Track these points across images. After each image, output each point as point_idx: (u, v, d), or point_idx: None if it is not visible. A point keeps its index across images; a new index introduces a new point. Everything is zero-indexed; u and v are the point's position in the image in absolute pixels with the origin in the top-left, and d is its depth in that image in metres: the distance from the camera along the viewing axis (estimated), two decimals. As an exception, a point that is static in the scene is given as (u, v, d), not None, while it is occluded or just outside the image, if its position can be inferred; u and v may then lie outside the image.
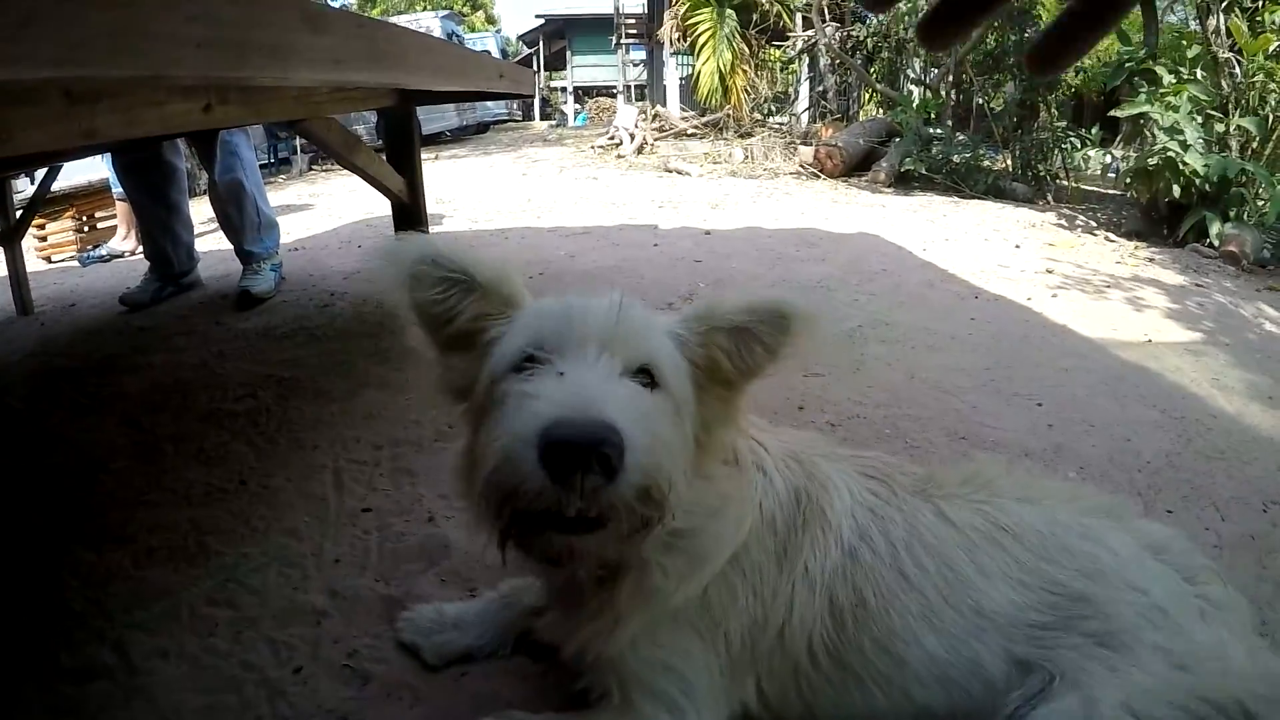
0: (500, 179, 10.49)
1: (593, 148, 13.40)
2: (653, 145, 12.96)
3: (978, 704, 1.27)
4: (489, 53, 17.50)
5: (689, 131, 14.19)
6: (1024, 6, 9.54)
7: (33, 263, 5.55)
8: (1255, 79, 6.28)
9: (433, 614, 1.65)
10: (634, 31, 21.49)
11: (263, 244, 4.36)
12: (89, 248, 6.28)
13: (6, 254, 4.43)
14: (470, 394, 1.17)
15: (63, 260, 6.37)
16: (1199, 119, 6.28)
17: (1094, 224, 7.04)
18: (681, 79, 17.64)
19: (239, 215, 4.27)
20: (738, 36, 14.34)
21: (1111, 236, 6.52)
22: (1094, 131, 8.71)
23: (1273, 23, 6.25)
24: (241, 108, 2.28)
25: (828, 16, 13.23)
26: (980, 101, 10.24)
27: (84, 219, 6.61)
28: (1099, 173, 9.96)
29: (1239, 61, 6.40)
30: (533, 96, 22.19)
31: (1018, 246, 5.98)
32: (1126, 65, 7.40)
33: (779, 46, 15.29)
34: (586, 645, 1.26)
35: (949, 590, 1.29)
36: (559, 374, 1.00)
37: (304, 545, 2.00)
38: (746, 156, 11.31)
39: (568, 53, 29.42)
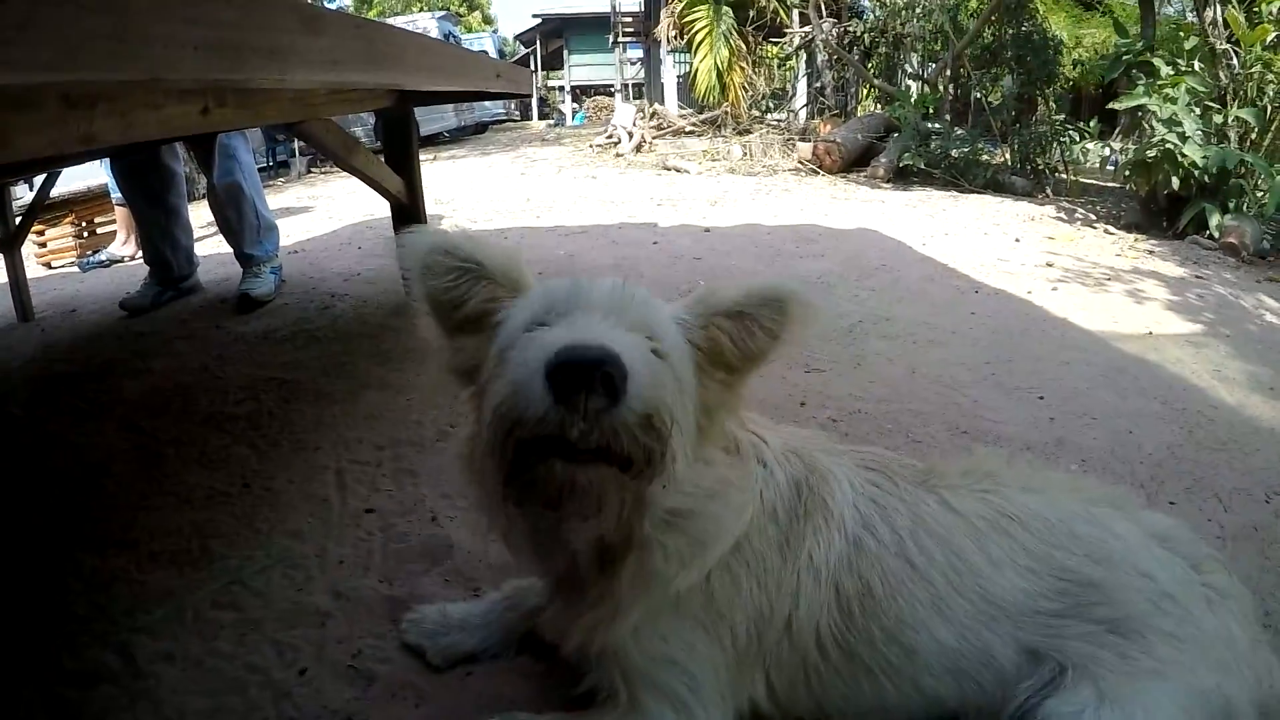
0: (499, 179, 10.48)
1: (591, 146, 13.39)
2: (651, 143, 12.95)
3: (988, 695, 1.27)
4: (486, 53, 17.51)
5: (687, 129, 14.17)
6: (1020, 1, 9.53)
7: (33, 269, 5.55)
8: (1253, 70, 6.28)
9: (437, 615, 1.65)
10: (631, 30, 21.50)
11: (262, 247, 4.36)
12: (89, 253, 6.27)
13: (6, 260, 4.43)
14: (477, 375, 1.18)
15: (63, 266, 6.37)
16: (1197, 111, 6.27)
17: (1093, 217, 7.04)
18: (679, 77, 17.63)
19: (238, 218, 4.27)
20: (735, 33, 14.33)
21: (1111, 229, 6.51)
22: (1092, 124, 8.69)
23: (1270, 13, 6.24)
24: (239, 110, 2.28)
25: (824, 12, 13.22)
26: (978, 96, 10.23)
27: (83, 224, 6.60)
28: (1098, 166, 9.95)
29: (1236, 53, 6.39)
30: (530, 96, 22.20)
31: (1017, 240, 5.98)
32: (1124, 58, 7.39)
33: (776, 43, 15.26)
34: (588, 637, 1.26)
35: (957, 578, 1.29)
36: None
37: (307, 547, 2.00)
38: (745, 153, 11.29)
39: (565, 52, 29.44)
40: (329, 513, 2.16)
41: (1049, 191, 8.26)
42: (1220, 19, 6.42)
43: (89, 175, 6.24)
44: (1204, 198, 6.11)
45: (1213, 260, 5.52)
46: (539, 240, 6.01)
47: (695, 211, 7.20)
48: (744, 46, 14.54)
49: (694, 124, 14.30)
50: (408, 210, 3.91)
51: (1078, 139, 8.58)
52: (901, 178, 9.15)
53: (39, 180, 4.89)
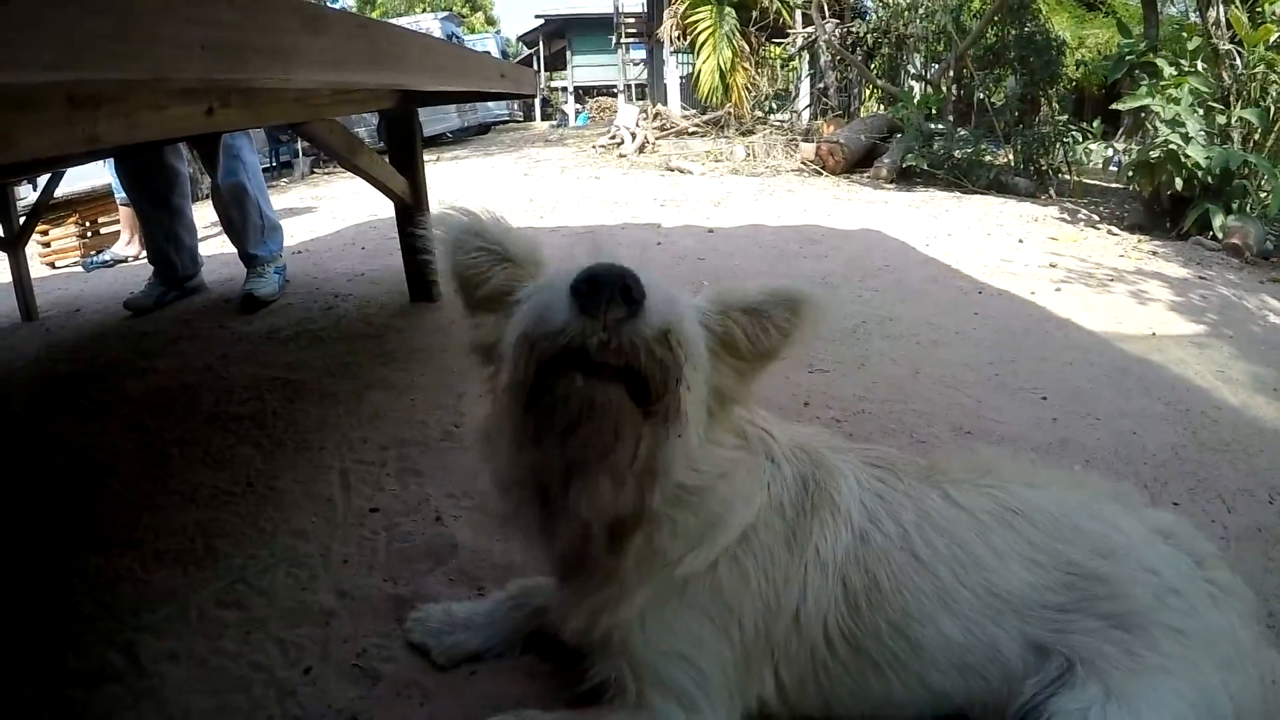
0: (502, 180, 10.49)
1: (594, 147, 13.41)
2: (654, 144, 12.96)
3: (995, 691, 1.28)
4: (489, 54, 17.52)
5: (690, 130, 14.18)
6: (1023, 1, 9.53)
7: (37, 269, 5.56)
8: (1256, 70, 6.27)
9: (441, 614, 1.65)
10: (634, 30, 21.50)
11: (266, 247, 4.37)
12: (93, 253, 6.29)
13: (11, 260, 4.44)
14: (497, 353, 1.20)
15: (67, 266, 6.39)
16: (1200, 111, 6.26)
17: (1097, 218, 7.03)
18: (682, 77, 17.65)
19: (242, 219, 4.28)
20: (738, 34, 14.35)
21: (1114, 230, 6.51)
22: (1095, 125, 8.68)
23: (1273, 13, 6.24)
24: (243, 111, 2.29)
25: (827, 13, 13.23)
26: (981, 96, 10.22)
27: (87, 224, 6.62)
28: (1101, 166, 9.94)
29: (1239, 53, 6.38)
30: (534, 97, 22.24)
31: (1021, 241, 5.98)
32: (1127, 58, 7.39)
33: (779, 44, 15.27)
34: (593, 619, 1.27)
35: (962, 571, 1.29)
36: None
37: (312, 546, 2.00)
38: (748, 154, 11.30)
39: (568, 52, 29.44)
40: (333, 512, 2.16)
41: (1052, 192, 8.26)
42: (1223, 19, 6.41)
43: (93, 175, 6.27)
44: (1207, 198, 6.10)
45: (1216, 261, 5.51)
46: (543, 241, 5.97)
47: (699, 212, 7.20)
48: (747, 47, 14.56)
49: (697, 125, 14.32)
50: (412, 210, 3.91)
51: (1081, 139, 8.58)
52: (905, 178, 9.15)
53: (43, 180, 4.92)
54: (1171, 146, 6.06)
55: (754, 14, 14.56)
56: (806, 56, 14.87)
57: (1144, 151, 6.44)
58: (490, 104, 19.16)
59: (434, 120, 16.22)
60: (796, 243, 5.70)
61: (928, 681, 1.29)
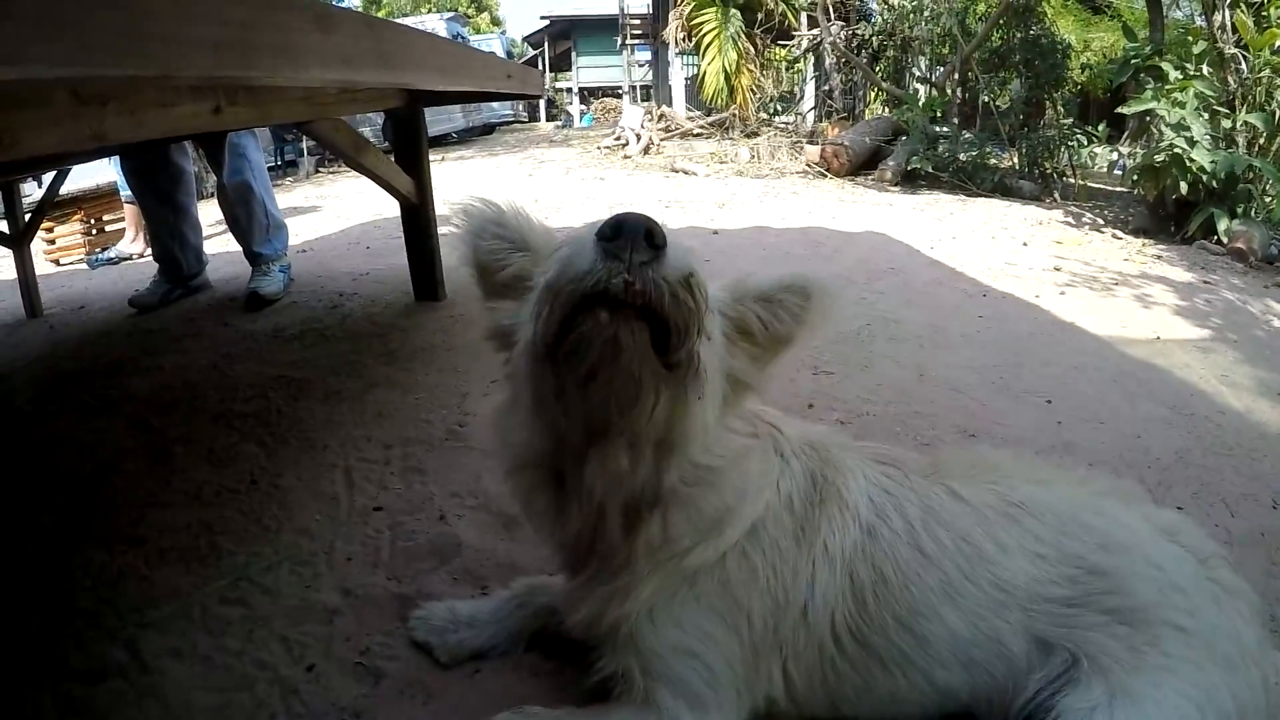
0: (507, 180, 10.50)
1: (599, 148, 13.40)
2: (659, 145, 12.96)
3: (1000, 687, 1.28)
4: (494, 54, 17.52)
5: (695, 131, 14.18)
6: (1029, 4, 9.52)
7: (41, 266, 5.57)
8: (1262, 74, 6.26)
9: (445, 612, 1.65)
10: (639, 32, 21.46)
11: (271, 246, 4.37)
12: (97, 250, 6.31)
13: (16, 257, 4.45)
14: (513, 339, 1.21)
15: (71, 263, 6.40)
16: (1205, 115, 6.26)
17: (1101, 221, 7.03)
18: (687, 79, 17.64)
19: (247, 217, 4.29)
20: (743, 36, 14.33)
21: (1119, 234, 6.50)
22: (1100, 128, 8.68)
23: (1279, 18, 6.23)
24: (250, 109, 2.29)
25: (833, 15, 13.23)
26: (986, 99, 10.22)
27: (92, 222, 6.63)
28: (1106, 170, 9.93)
29: (1245, 57, 6.38)
30: (540, 97, 22.23)
31: (1025, 244, 5.97)
32: (1132, 62, 7.39)
33: (784, 46, 15.30)
34: (602, 608, 1.27)
35: (967, 564, 1.30)
36: None
37: (316, 544, 2.01)
38: (753, 156, 11.30)
39: (573, 53, 29.45)
40: (337, 510, 2.16)
41: (1057, 195, 8.26)
42: (1229, 23, 6.41)
43: (98, 173, 6.27)
44: (1212, 203, 6.10)
45: (1220, 265, 5.51)
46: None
47: (703, 214, 7.19)
48: (752, 49, 14.54)
49: (702, 126, 14.32)
50: (417, 210, 3.91)
51: (1085, 143, 8.57)
52: (909, 181, 9.15)
53: (48, 178, 4.92)
54: (1176, 150, 6.06)
55: (759, 16, 14.54)
56: (811, 59, 14.88)
57: (1149, 155, 6.45)
58: (495, 104, 19.19)
59: (439, 120, 16.24)
60: (801, 245, 5.70)
61: (933, 677, 1.29)
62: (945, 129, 9.84)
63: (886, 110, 12.69)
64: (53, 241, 6.48)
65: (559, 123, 25.52)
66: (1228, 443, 2.65)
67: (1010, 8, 9.56)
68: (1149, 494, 2.26)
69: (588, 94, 28.66)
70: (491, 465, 2.35)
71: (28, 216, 4.65)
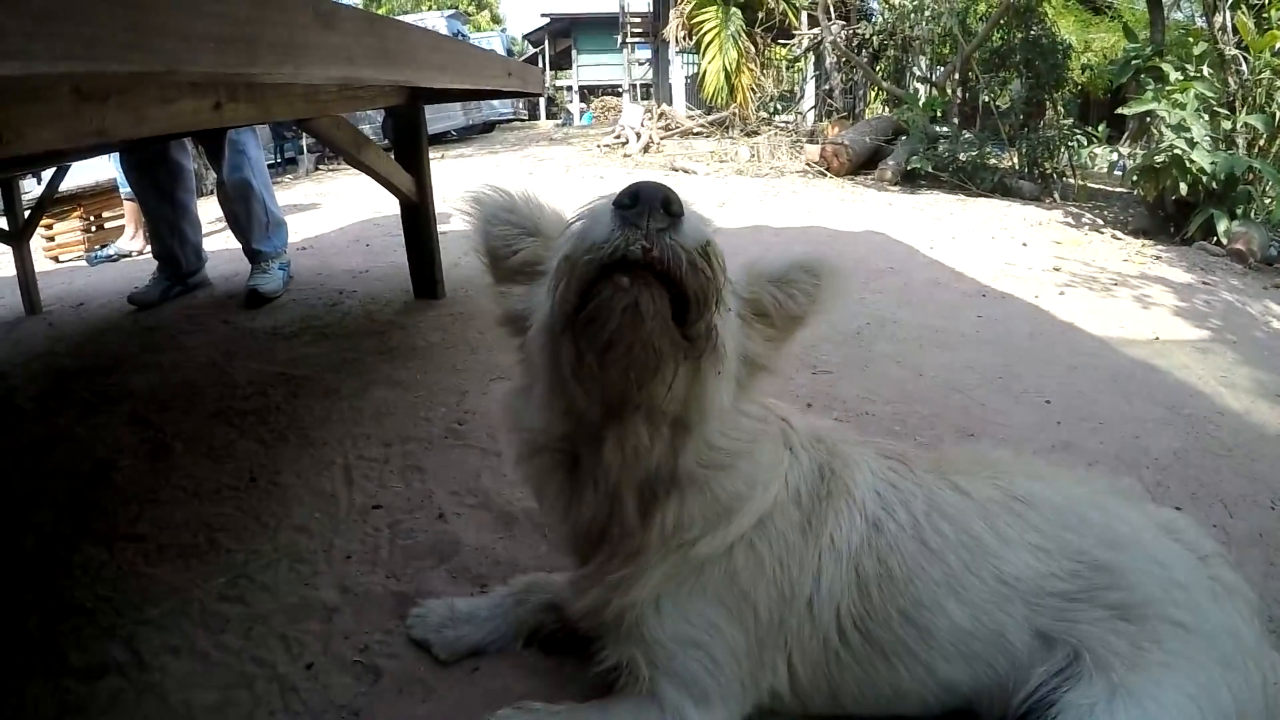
0: (507, 178, 10.48)
1: (599, 147, 13.40)
2: (659, 144, 12.96)
3: (1001, 680, 1.28)
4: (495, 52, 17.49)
5: (695, 130, 14.19)
6: (1029, 4, 9.53)
7: (41, 262, 5.56)
8: (1262, 76, 6.27)
9: (443, 609, 1.65)
10: (639, 30, 21.47)
11: (271, 243, 4.37)
12: (97, 247, 6.29)
13: (15, 254, 4.44)
14: (526, 324, 1.22)
15: (70, 260, 6.39)
16: (1206, 116, 6.27)
17: (1101, 222, 7.03)
18: (687, 78, 17.65)
19: (247, 214, 4.28)
20: (743, 35, 14.33)
21: (1118, 234, 6.51)
22: (1100, 129, 8.69)
23: (1280, 19, 6.24)
24: (251, 106, 2.29)
25: (833, 14, 13.23)
26: (986, 99, 10.23)
27: (92, 219, 6.62)
28: (1106, 171, 9.93)
29: (1245, 58, 6.39)
30: (541, 95, 22.24)
31: (1025, 244, 5.98)
32: (1133, 63, 7.40)
33: (785, 45, 15.30)
34: (609, 595, 1.27)
35: (970, 557, 1.30)
36: None
37: (314, 542, 2.00)
38: (752, 155, 11.30)
39: (573, 52, 29.45)
40: (336, 508, 2.16)
41: (1056, 196, 8.27)
42: (1229, 24, 6.41)
43: (98, 170, 6.26)
44: (1212, 204, 6.10)
45: (1220, 266, 5.52)
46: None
47: (703, 212, 7.16)
48: (752, 48, 14.55)
49: (702, 125, 14.33)
50: (417, 207, 3.91)
51: (1086, 143, 8.58)
52: (909, 181, 9.15)
53: (48, 174, 4.91)
54: (1176, 151, 6.06)
55: (760, 15, 14.55)
56: (812, 58, 14.89)
57: (1149, 156, 6.45)
58: (495, 102, 19.16)
59: (438, 118, 16.21)
60: (801, 244, 5.69)
61: (936, 670, 1.29)
62: (945, 129, 9.85)
63: (887, 110, 12.69)
64: (52, 238, 6.47)
65: (559, 121, 25.53)
66: (1226, 443, 2.65)
67: (1011, 8, 9.57)
68: (1147, 494, 2.27)
69: (588, 92, 28.67)
70: (491, 463, 2.36)
71: (27, 213, 4.64)
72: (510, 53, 27.63)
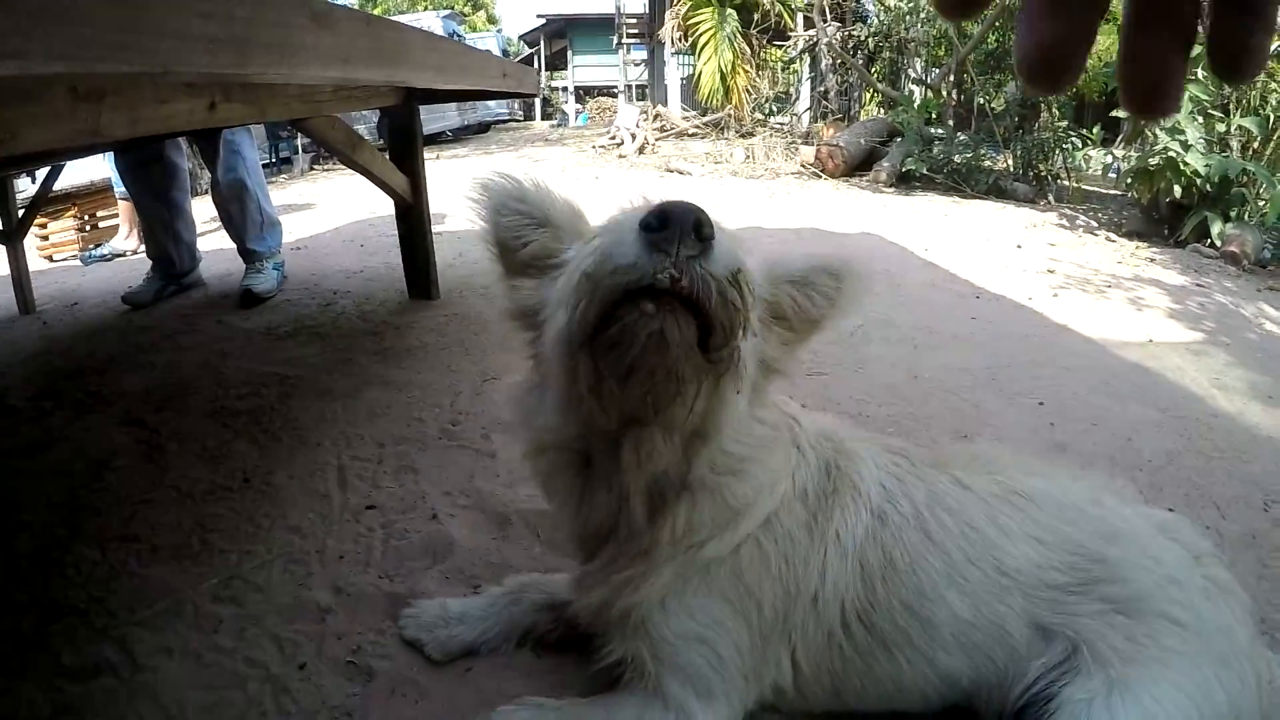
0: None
1: (594, 147, 13.38)
2: (654, 145, 12.95)
3: (1000, 672, 1.29)
4: (490, 52, 17.49)
5: (690, 131, 14.17)
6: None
7: (35, 262, 5.54)
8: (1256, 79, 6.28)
9: (436, 609, 1.65)
10: (635, 31, 21.47)
11: (265, 243, 4.37)
12: (91, 247, 6.28)
13: (9, 253, 4.44)
14: (535, 318, 1.22)
15: (65, 259, 6.37)
16: (1200, 119, 6.28)
17: (1095, 224, 7.04)
18: (683, 79, 17.64)
19: (241, 214, 4.28)
20: (739, 36, 14.33)
21: (1113, 236, 6.52)
22: (1095, 131, 8.71)
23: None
24: (246, 106, 2.29)
25: (829, 16, 13.23)
26: (981, 101, 10.25)
27: (86, 218, 6.61)
28: (1100, 173, 9.96)
29: (1240, 61, 6.39)
30: (535, 96, 22.24)
31: (1019, 246, 5.98)
32: (1127, 65, 7.39)
33: (780, 46, 15.30)
34: (616, 594, 1.27)
35: (970, 548, 1.31)
36: None
37: (308, 542, 2.00)
38: (748, 156, 11.29)
39: (569, 52, 29.47)
40: (330, 508, 2.16)
41: (1051, 198, 8.27)
42: (1225, 27, 6.41)
43: (92, 169, 6.24)
44: (1206, 206, 6.12)
45: (1213, 269, 5.53)
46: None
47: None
48: (748, 49, 14.54)
49: (697, 126, 14.31)
50: (412, 208, 3.91)
51: (1080, 146, 8.60)
52: (904, 182, 9.15)
53: (42, 173, 4.90)
54: (1171, 154, 6.07)
55: (755, 16, 14.54)
56: (807, 59, 14.89)
57: (1143, 158, 6.46)
58: (490, 103, 19.16)
59: (434, 118, 16.20)
60: (796, 245, 5.69)
61: (935, 662, 1.30)
62: (940, 131, 9.86)
63: (882, 112, 12.68)
64: (46, 238, 6.45)
65: (554, 122, 25.55)
66: (1219, 445, 2.66)
67: (1006, 10, 9.58)
68: (1140, 496, 2.27)
69: (583, 93, 28.66)
70: (485, 464, 2.36)
71: (21, 212, 4.63)
72: (506, 53, 27.61)
